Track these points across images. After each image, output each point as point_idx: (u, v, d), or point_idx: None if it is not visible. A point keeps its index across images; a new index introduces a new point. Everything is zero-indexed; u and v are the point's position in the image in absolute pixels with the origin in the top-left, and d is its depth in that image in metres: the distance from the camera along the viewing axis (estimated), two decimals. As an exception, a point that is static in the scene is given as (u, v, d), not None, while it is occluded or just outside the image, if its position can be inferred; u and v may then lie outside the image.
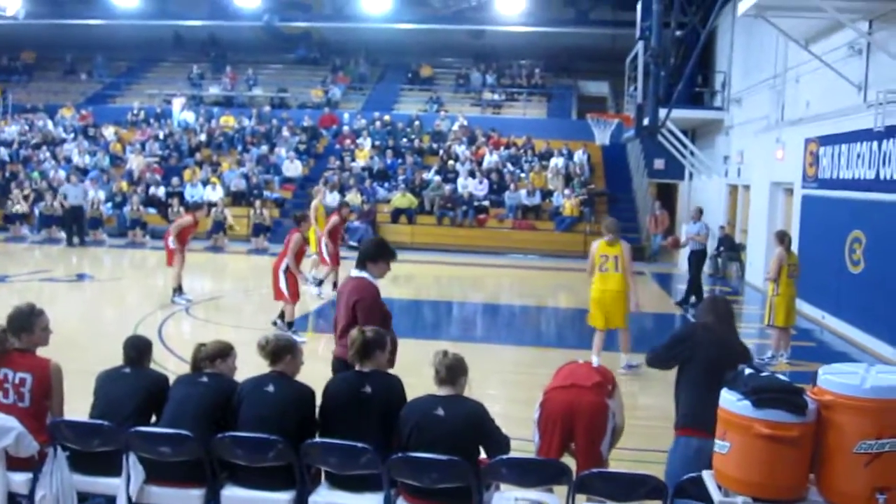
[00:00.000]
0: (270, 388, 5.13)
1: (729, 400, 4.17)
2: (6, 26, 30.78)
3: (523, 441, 5.74)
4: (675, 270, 21.56)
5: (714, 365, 4.84)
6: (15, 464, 5.07)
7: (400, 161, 26.74)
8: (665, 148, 21.56)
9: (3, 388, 5.17)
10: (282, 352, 5.24)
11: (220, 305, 14.87)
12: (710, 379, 4.74)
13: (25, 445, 4.98)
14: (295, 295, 11.78)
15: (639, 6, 19.43)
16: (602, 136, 21.98)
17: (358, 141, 27.97)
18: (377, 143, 27.81)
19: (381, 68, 33.85)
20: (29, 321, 5.36)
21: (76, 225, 22.71)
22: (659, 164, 25.69)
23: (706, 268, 20.25)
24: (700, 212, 16.84)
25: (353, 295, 6.14)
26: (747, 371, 4.29)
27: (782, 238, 11.26)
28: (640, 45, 19.49)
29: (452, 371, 4.99)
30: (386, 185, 25.69)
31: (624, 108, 24.00)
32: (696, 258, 15.91)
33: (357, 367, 5.26)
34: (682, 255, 21.37)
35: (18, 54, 34.96)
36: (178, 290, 14.15)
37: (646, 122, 19.32)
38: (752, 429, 4.00)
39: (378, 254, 6.31)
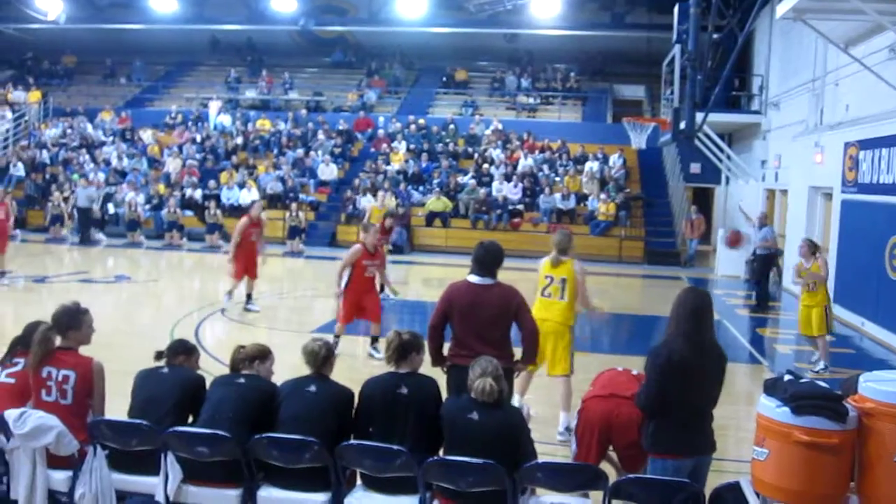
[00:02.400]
0: (312, 389, 5.20)
1: (768, 406, 4.13)
2: (48, 31, 31.27)
3: (556, 446, 5.74)
4: (710, 276, 21.40)
5: (691, 387, 4.72)
6: (55, 462, 5.15)
7: (435, 164, 26.77)
8: (701, 152, 21.40)
9: (46, 385, 5.27)
10: (328, 357, 5.37)
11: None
12: (688, 404, 4.70)
13: (65, 444, 5.05)
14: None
15: (675, 9, 19.30)
16: (638, 140, 21.85)
17: (393, 144, 28.04)
18: (412, 146, 27.86)
19: (415, 72, 33.91)
20: (77, 319, 5.52)
21: (83, 225, 23.45)
22: (695, 168, 25.52)
23: (742, 273, 20.14)
24: (765, 217, 16.70)
25: (508, 301, 6.05)
26: (787, 377, 4.25)
27: (816, 247, 11.12)
28: (676, 49, 19.37)
29: (492, 366, 5.01)
30: (420, 188, 25.74)
31: (660, 112, 23.85)
32: (763, 264, 15.76)
33: (393, 369, 5.29)
34: (726, 260, 21.29)
35: (60, 58, 35.45)
36: (249, 297, 13.96)
37: (682, 125, 19.19)
38: (791, 436, 3.97)
39: (502, 259, 6.25)
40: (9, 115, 30.56)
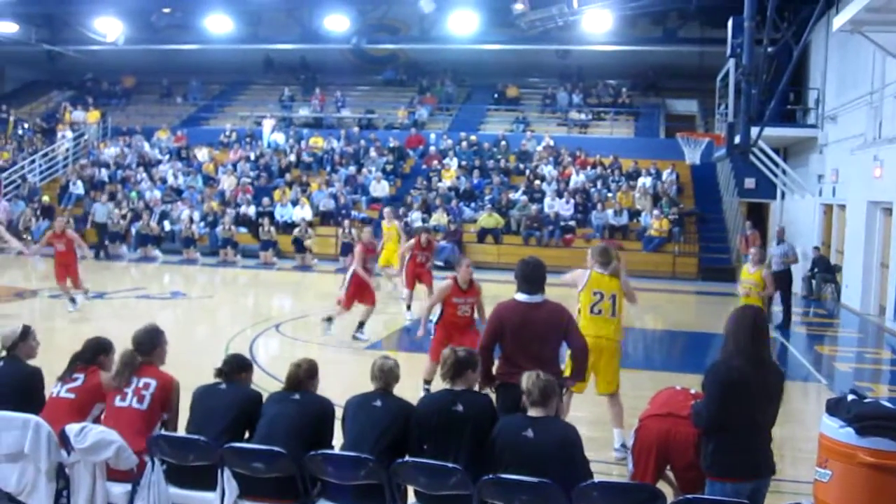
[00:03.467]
0: (378, 403, 5.24)
1: (831, 427, 4.04)
2: (107, 52, 31.94)
3: (612, 465, 5.68)
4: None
5: (749, 404, 4.62)
6: (115, 475, 5.22)
7: (486, 181, 26.78)
8: (756, 167, 21.12)
9: (123, 392, 5.47)
10: (390, 372, 5.41)
11: (308, 324, 15.05)
12: (746, 422, 4.59)
13: (125, 459, 5.12)
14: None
15: (729, 23, 19.12)
16: (692, 156, 21.64)
17: (444, 161, 28.13)
18: (463, 163, 27.92)
19: (467, 89, 34.01)
20: (158, 339, 5.79)
21: (100, 240, 24.12)
22: (750, 183, 25.18)
23: (799, 290, 19.80)
24: (783, 231, 16.41)
25: (558, 318, 6.03)
26: (850, 397, 4.16)
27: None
28: (731, 63, 19.17)
29: (545, 393, 4.96)
30: (472, 204, 25.76)
31: (714, 127, 23.62)
32: (781, 280, 15.46)
33: (448, 386, 5.29)
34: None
35: (118, 79, 36.18)
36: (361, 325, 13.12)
37: (737, 140, 18.97)
38: (855, 457, 3.89)
39: (546, 275, 6.21)
40: (69, 134, 31.27)
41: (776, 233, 16.69)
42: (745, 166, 22.59)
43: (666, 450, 5.21)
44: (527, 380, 5.01)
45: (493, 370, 6.10)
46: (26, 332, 6.04)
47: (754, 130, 18.66)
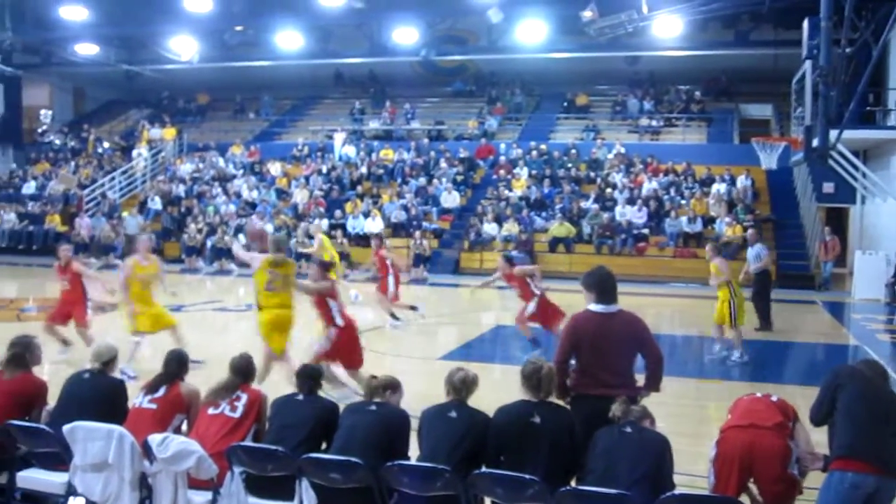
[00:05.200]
0: (453, 414, 5.25)
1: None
2: (182, 71, 32.68)
3: (691, 476, 5.57)
4: (847, 300, 20.54)
5: (869, 392, 4.63)
6: (196, 484, 5.31)
7: (557, 190, 26.65)
8: (835, 171, 20.63)
9: (216, 402, 5.67)
10: (470, 384, 5.45)
11: (382, 334, 15.13)
12: (867, 407, 4.55)
13: (205, 469, 5.20)
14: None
15: (805, 24, 18.71)
16: (769, 161, 21.20)
17: (514, 171, 28.08)
18: (534, 172, 27.83)
19: (536, 98, 33.92)
20: (252, 368, 6.06)
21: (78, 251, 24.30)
22: (828, 187, 24.61)
23: (883, 296, 19.29)
24: (754, 234, 16.15)
25: (634, 328, 5.95)
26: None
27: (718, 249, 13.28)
28: (807, 65, 18.76)
29: (639, 410, 4.97)
30: (543, 214, 25.65)
31: (790, 131, 23.12)
32: (759, 283, 15.41)
33: (526, 397, 5.26)
34: (864, 283, 20.42)
35: (193, 96, 36.97)
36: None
37: (815, 144, 18.54)
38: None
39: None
40: (145, 152, 32.04)
41: (749, 235, 16.37)
42: (824, 170, 22.05)
43: (750, 462, 5.08)
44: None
45: (568, 382, 6.03)
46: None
47: (833, 133, 18.22)
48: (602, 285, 5.93)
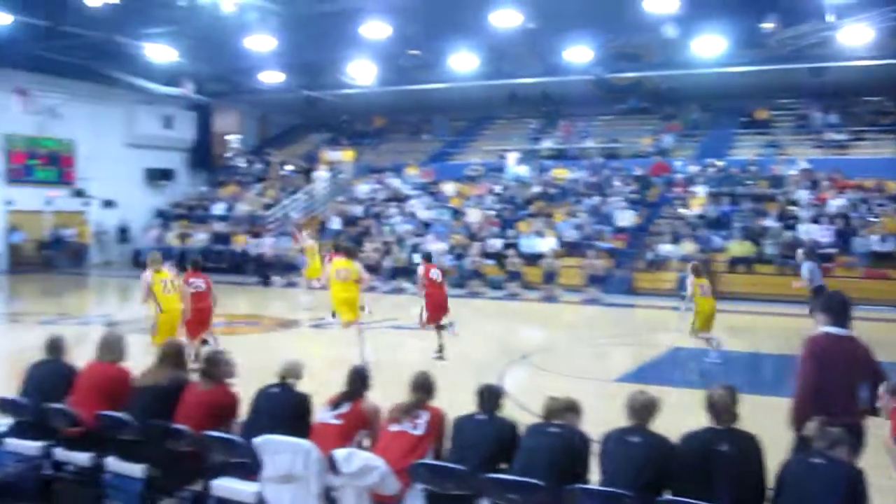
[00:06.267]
0: (635, 439, 5.13)
1: None
2: (360, 95, 33.70)
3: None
4: None
5: None
6: (379, 499, 5.41)
7: (736, 208, 25.76)
8: None
9: (398, 419, 5.75)
10: (652, 408, 5.33)
11: (558, 355, 15.04)
12: None
13: (389, 484, 5.30)
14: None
15: None
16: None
17: (691, 188, 27.36)
18: (712, 189, 27.03)
19: (713, 113, 32.97)
20: (433, 385, 6.04)
21: (262, 270, 26.46)
22: None
23: None
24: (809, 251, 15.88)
25: (867, 351, 5.85)
26: None
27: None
28: None
29: (836, 434, 4.71)
30: (722, 232, 24.84)
31: None
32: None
33: (712, 424, 5.08)
34: None
35: (370, 119, 38.13)
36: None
37: None
38: None
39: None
40: (325, 174, 33.25)
41: (803, 252, 16.23)
42: None
43: None
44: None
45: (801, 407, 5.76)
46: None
47: None
48: (836, 307, 5.95)
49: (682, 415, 5.88)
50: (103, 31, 23.98)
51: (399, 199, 30.77)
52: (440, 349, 14.09)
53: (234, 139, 38.84)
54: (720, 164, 28.29)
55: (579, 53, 28.94)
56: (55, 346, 7.34)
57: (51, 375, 7.10)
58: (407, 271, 25.35)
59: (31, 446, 6.76)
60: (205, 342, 12.42)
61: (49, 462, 6.68)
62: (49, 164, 31.26)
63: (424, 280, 14.44)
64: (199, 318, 12.23)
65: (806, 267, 15.51)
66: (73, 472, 6.68)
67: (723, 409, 5.07)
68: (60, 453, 6.69)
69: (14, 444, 6.87)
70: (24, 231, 30.36)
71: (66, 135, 31.50)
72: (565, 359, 14.74)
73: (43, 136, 30.90)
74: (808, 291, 15.24)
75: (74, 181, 32.00)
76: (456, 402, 6.01)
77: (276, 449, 5.62)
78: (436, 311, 14.25)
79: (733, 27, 26.86)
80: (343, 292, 13.29)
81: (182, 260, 13.52)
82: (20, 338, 14.48)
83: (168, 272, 12.29)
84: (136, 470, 6.27)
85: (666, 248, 24.05)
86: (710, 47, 27.68)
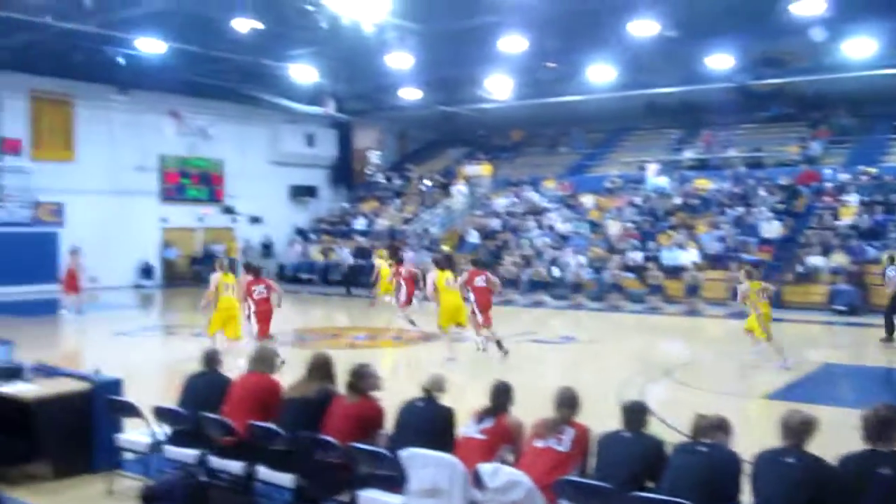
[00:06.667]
0: (791, 460, 4.94)
1: None
2: (497, 109, 33.87)
3: None
4: None
5: None
6: (523, 517, 5.39)
7: (891, 217, 24.54)
8: None
9: (543, 435, 5.73)
10: (810, 428, 5.12)
11: (701, 370, 14.68)
12: None
13: (534, 501, 5.28)
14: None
15: None
16: None
17: (842, 197, 26.24)
18: (864, 198, 25.85)
19: (864, 119, 31.53)
20: (578, 401, 5.93)
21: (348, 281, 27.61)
22: None
23: None
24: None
25: None
26: None
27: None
28: None
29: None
30: (876, 243, 23.70)
31: None
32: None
33: (870, 446, 4.85)
34: None
35: (507, 133, 38.26)
36: None
37: None
38: None
39: None
40: (463, 188, 33.52)
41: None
42: None
43: None
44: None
45: None
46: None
47: None
48: None
49: (835, 436, 5.62)
50: (250, 54, 24.93)
51: (537, 212, 30.72)
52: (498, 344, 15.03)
53: (373, 155, 39.70)
54: (872, 171, 27.03)
55: (720, 60, 28.24)
56: (211, 359, 7.69)
57: (207, 386, 7.43)
58: (546, 285, 25.29)
59: (187, 454, 7.08)
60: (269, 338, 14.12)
61: (204, 469, 6.96)
62: (200, 182, 32.71)
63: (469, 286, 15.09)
64: (263, 319, 14.14)
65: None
66: (226, 480, 6.96)
67: (884, 430, 4.82)
68: (215, 461, 6.96)
69: (173, 451, 7.23)
70: (177, 247, 31.83)
71: (216, 154, 32.89)
72: (709, 374, 14.36)
73: (194, 156, 32.36)
74: None
75: (223, 199, 33.33)
76: (597, 415, 5.94)
77: (422, 463, 5.68)
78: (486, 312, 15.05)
79: (884, 28, 25.66)
80: (455, 298, 14.74)
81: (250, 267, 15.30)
82: (177, 349, 15.15)
83: (232, 277, 14.78)
84: (286, 479, 6.47)
85: (815, 260, 23.12)
86: (860, 49, 26.49)
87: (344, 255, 30.41)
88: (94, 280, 23.96)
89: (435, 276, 14.99)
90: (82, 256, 21.94)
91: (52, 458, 7.84)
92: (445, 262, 15.57)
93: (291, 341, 16.96)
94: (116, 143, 29.44)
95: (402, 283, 19.40)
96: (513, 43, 24.02)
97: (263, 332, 14.07)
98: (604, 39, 26.66)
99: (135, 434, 7.63)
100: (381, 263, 22.09)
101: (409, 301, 19.32)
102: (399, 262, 20.83)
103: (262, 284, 14.44)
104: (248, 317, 14.16)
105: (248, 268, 15.06)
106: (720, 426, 5.33)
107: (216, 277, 14.55)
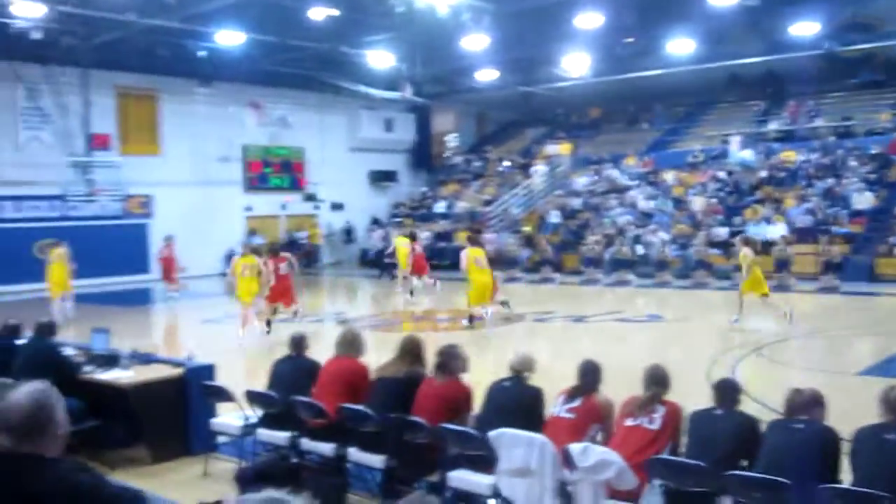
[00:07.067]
0: (893, 437, 4.77)
1: None
2: (574, 87, 33.49)
3: None
4: None
5: None
6: (616, 494, 5.35)
7: None
8: None
9: (633, 413, 5.69)
10: None
11: (791, 346, 14.35)
12: None
13: (626, 480, 5.23)
14: None
15: None
16: None
17: (938, 165, 25.32)
18: (962, 166, 24.89)
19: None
20: (668, 379, 5.88)
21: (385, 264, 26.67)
22: None
23: None
24: None
25: None
26: None
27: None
28: None
29: None
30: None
31: None
32: None
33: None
34: None
35: (586, 111, 37.85)
36: None
37: None
38: None
39: None
40: (541, 168, 33.30)
41: None
42: None
43: None
44: None
45: None
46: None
47: None
48: None
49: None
50: (326, 42, 25.13)
51: (618, 190, 30.36)
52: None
53: (452, 138, 39.68)
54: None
55: (805, 28, 27.45)
56: (298, 343, 7.82)
57: (295, 370, 7.58)
58: (630, 263, 24.99)
59: (279, 436, 7.25)
60: (295, 314, 16.53)
61: (295, 451, 7.11)
62: (282, 171, 33.15)
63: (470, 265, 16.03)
64: (281, 290, 16.12)
65: None
66: (317, 462, 7.08)
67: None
68: (306, 443, 7.12)
69: (265, 434, 7.39)
70: (261, 235, 32.39)
71: (296, 143, 33.28)
72: (801, 351, 14.06)
73: (275, 145, 32.80)
74: None
75: (305, 186, 33.75)
76: (687, 394, 5.85)
77: (512, 443, 5.68)
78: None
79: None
80: (485, 277, 15.86)
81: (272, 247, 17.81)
82: (263, 335, 15.44)
83: (254, 258, 16.00)
84: (377, 460, 6.56)
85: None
86: (955, 11, 25.45)
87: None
88: (183, 269, 24.56)
89: (467, 253, 16.00)
90: (175, 244, 22.80)
91: (150, 442, 8.09)
92: (476, 241, 16.75)
93: (375, 325, 17.13)
94: (200, 135, 30.00)
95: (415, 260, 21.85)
96: (589, 19, 23.73)
97: (288, 303, 16.44)
98: (682, 11, 26.17)
99: (228, 417, 7.82)
100: (401, 244, 22.78)
101: (415, 273, 21.83)
102: (413, 238, 22.81)
103: (284, 262, 16.32)
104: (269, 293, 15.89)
105: (271, 249, 17.26)
106: (816, 402, 5.19)
107: (236, 259, 16.32)
